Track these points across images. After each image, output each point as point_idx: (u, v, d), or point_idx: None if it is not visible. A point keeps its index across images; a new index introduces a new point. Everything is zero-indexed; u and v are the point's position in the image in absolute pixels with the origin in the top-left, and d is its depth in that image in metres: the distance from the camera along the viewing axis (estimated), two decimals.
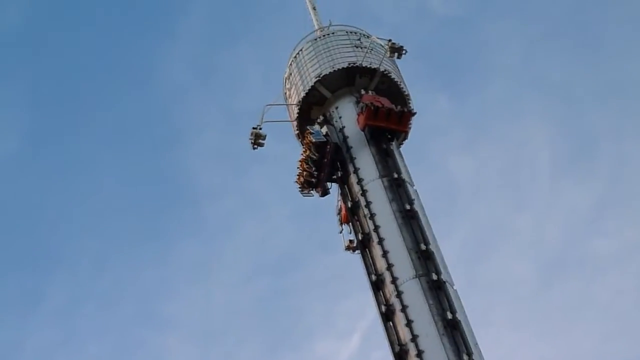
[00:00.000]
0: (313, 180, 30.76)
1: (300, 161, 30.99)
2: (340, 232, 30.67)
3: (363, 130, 30.38)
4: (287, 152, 31.72)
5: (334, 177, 30.93)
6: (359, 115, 30.37)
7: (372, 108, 29.77)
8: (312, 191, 31.20)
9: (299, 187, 31.32)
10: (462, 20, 70.37)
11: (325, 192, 30.84)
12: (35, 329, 66.88)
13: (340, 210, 30.41)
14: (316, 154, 30.21)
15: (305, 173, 30.75)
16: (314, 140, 30.15)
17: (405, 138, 31.82)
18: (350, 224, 29.44)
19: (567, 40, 69.78)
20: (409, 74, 32.96)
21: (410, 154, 31.70)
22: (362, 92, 31.40)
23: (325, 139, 30.34)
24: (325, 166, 30.52)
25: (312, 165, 30.48)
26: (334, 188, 31.32)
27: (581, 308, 62.75)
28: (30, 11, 73.14)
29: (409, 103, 32.20)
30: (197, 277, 68.51)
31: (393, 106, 30.25)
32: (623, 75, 67.08)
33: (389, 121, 30.20)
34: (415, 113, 31.50)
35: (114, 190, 70.01)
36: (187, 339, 66.45)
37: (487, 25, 70.63)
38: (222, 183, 67.95)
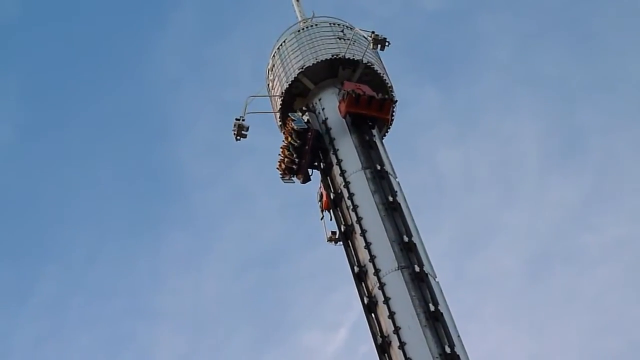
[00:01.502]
0: (294, 167, 30.79)
1: (281, 148, 30.93)
2: (322, 219, 30.70)
3: (344, 117, 30.35)
4: (275, 145, 31.58)
5: (315, 164, 30.89)
6: (340, 102, 30.41)
7: (354, 95, 29.85)
8: (293, 178, 31.19)
9: (280, 174, 31.19)
10: (451, 14, 70.32)
11: (306, 179, 30.90)
12: (26, 320, 66.96)
13: (321, 196, 30.56)
14: (297, 141, 30.25)
15: (286, 160, 30.80)
16: (295, 127, 30.23)
17: (388, 129, 31.97)
18: (333, 215, 29.48)
19: (560, 36, 69.67)
20: (398, 68, 32.94)
21: (399, 147, 31.69)
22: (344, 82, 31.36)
23: (306, 126, 30.42)
24: (306, 153, 30.34)
25: (293, 152, 30.55)
26: (315, 175, 30.93)
27: (569, 302, 62.75)
28: (24, 4, 73.05)
29: (392, 94, 32.14)
30: (187, 269, 69.17)
31: (374, 94, 30.37)
32: (615, 71, 67.14)
33: (370, 108, 30.27)
34: (396, 101, 31.40)
35: (104, 182, 70.41)
36: (177, 330, 66.84)
37: (478, 18, 70.36)
38: (211, 175, 68.24)
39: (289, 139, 30.36)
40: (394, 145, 31.18)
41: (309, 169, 30.82)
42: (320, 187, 30.37)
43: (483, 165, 67.26)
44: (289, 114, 30.94)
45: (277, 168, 31.10)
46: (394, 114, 31.77)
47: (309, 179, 30.92)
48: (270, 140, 31.35)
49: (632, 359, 58.26)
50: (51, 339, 67.91)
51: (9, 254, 69.40)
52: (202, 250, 70.02)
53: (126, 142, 71.64)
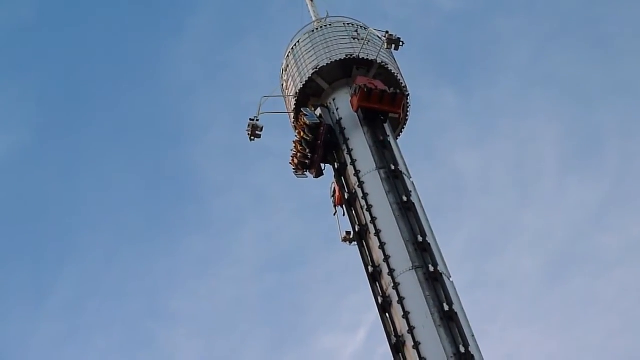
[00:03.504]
0: (307, 161, 30.88)
1: (294, 142, 31.04)
2: (335, 214, 30.81)
3: (356, 112, 30.40)
4: (290, 146, 31.81)
5: (329, 159, 30.93)
6: (352, 97, 30.55)
7: (365, 90, 29.94)
8: (306, 172, 31.28)
9: (293, 169, 31.34)
10: (469, 16, 70.70)
11: (319, 173, 31.02)
12: (44, 321, 67.27)
13: (334, 192, 30.76)
14: (310, 135, 30.39)
15: (299, 154, 30.94)
16: (307, 121, 30.33)
17: (403, 128, 32.16)
18: (347, 215, 29.47)
19: (577, 38, 70.04)
20: (415, 69, 33.21)
21: (416, 148, 32.04)
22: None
23: (318, 121, 30.50)
24: (319, 148, 30.54)
25: (305, 147, 30.65)
26: (328, 170, 31.13)
27: (587, 304, 62.97)
28: (41, 8, 73.81)
29: (406, 94, 32.15)
30: (204, 272, 69.13)
31: (386, 88, 30.41)
32: (632, 73, 67.13)
33: (382, 103, 30.28)
34: (408, 94, 31.82)
35: (122, 185, 71.13)
36: (194, 333, 66.98)
37: (496, 21, 70.82)
38: (228, 178, 68.42)
39: (302, 133, 30.45)
40: (411, 146, 31.26)
41: (321, 164, 30.97)
42: (333, 182, 30.48)
43: (501, 167, 67.71)
44: (302, 109, 31.00)
45: (290, 163, 31.18)
46: (408, 111, 31.98)
47: (322, 174, 31.06)
48: (285, 142, 31.52)
49: None
50: (68, 340, 68.49)
51: (28, 254, 70.27)
52: (219, 252, 70.28)
53: (143, 145, 72.34)
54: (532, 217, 64.95)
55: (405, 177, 29.12)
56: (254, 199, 66.49)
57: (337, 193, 30.14)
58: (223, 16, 71.06)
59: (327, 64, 31.69)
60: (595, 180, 66.28)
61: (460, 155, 65.60)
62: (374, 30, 32.23)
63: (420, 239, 27.05)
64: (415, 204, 28.16)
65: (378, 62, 31.53)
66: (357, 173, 29.02)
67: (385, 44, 30.95)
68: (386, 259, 26.80)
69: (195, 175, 69.64)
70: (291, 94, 32.54)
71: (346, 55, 31.64)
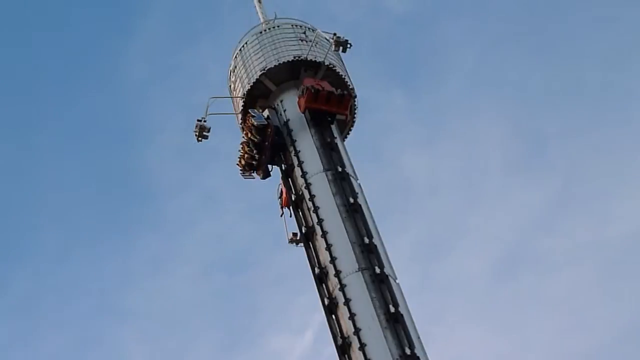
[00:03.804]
0: (254, 163, 31.05)
1: (241, 144, 31.15)
2: (282, 215, 31.01)
3: (304, 113, 30.54)
4: (238, 148, 32.37)
5: (276, 160, 31.08)
6: (299, 98, 30.68)
7: (313, 91, 30.18)
8: (253, 173, 31.46)
9: (240, 170, 31.45)
10: (418, 19, 71.89)
11: (266, 175, 31.11)
12: None
13: (281, 193, 30.89)
14: (257, 137, 30.52)
15: (246, 156, 31.09)
16: (255, 122, 30.44)
17: (350, 129, 32.47)
18: (294, 216, 29.65)
19: (522, 42, 71.27)
20: (364, 72, 33.54)
21: (364, 150, 32.36)
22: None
23: (266, 122, 30.60)
24: (266, 149, 30.66)
25: (253, 148, 30.80)
26: (275, 171, 31.16)
27: (534, 305, 63.78)
28: None
29: (354, 96, 32.33)
30: (156, 271, 69.96)
31: (333, 89, 30.70)
32: (575, 77, 68.80)
33: (329, 104, 30.51)
34: (355, 96, 31.89)
35: (75, 186, 71.45)
36: (145, 332, 67.75)
37: (444, 24, 72.12)
38: (180, 179, 69.14)
39: (249, 134, 30.58)
40: (359, 148, 31.53)
41: (268, 165, 31.14)
42: (280, 183, 30.61)
43: (448, 169, 68.64)
44: (249, 110, 31.08)
45: (237, 164, 31.34)
46: (355, 112, 32.23)
47: (269, 175, 31.18)
48: (234, 143, 31.87)
49: (594, 356, 60.25)
50: (21, 340, 68.88)
51: None
52: (170, 253, 71.03)
53: (96, 146, 72.80)
54: (478, 219, 65.89)
55: (352, 179, 29.30)
56: (205, 200, 67.34)
57: (284, 194, 30.24)
58: (174, 18, 71.80)
59: (275, 65, 31.76)
60: (540, 182, 67.74)
61: (408, 157, 66.56)
62: (321, 33, 32.30)
63: (366, 240, 27.23)
64: (362, 206, 28.39)
65: (326, 64, 31.68)
66: (304, 175, 29.19)
67: (333, 46, 31.08)
68: (332, 260, 26.96)
69: (147, 176, 70.33)
70: (239, 95, 32.59)
71: (294, 57, 31.80)
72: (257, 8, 35.45)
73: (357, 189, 28.96)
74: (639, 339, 59.73)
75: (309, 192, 28.71)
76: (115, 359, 66.91)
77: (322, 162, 29.34)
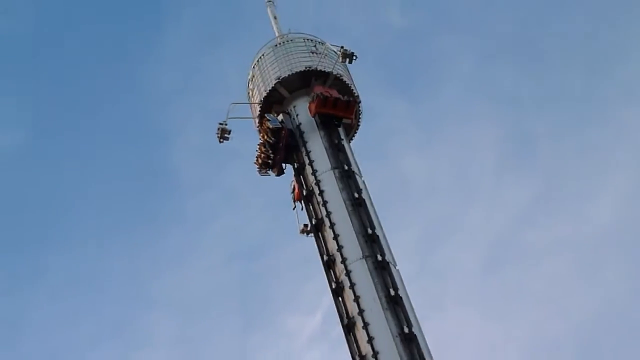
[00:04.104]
0: (270, 161, 31.89)
1: (258, 145, 31.92)
2: (294, 209, 31.60)
3: (314, 117, 31.27)
4: (255, 148, 33.25)
5: (289, 159, 31.58)
6: (310, 104, 31.58)
7: (322, 97, 31.12)
8: (269, 171, 32.32)
9: (257, 168, 32.42)
10: (417, 33, 74.98)
11: (280, 172, 32.01)
12: (36, 304, 70.29)
13: (293, 189, 31.57)
14: (272, 138, 31.34)
15: (262, 155, 31.92)
16: (270, 125, 31.26)
17: (355, 132, 33.15)
18: (305, 209, 30.40)
19: (513, 53, 73.86)
20: (369, 81, 34.86)
21: (368, 151, 33.44)
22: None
23: (280, 125, 31.44)
24: (280, 149, 31.52)
25: (268, 149, 31.64)
26: (289, 169, 31.96)
27: (518, 291, 66.02)
28: (38, 18, 77.42)
29: (358, 102, 33.04)
30: (181, 261, 72.11)
31: (340, 96, 31.53)
32: (561, 84, 71.34)
33: (337, 109, 31.52)
34: (360, 102, 33.10)
35: (107, 184, 74.03)
36: (171, 316, 70.24)
37: (441, 37, 74.93)
38: (203, 177, 71.62)
39: (265, 136, 31.50)
40: (363, 149, 32.91)
41: (282, 164, 31.94)
42: (293, 180, 31.49)
43: (444, 169, 70.60)
44: (265, 114, 31.97)
45: (255, 163, 32.27)
46: (360, 117, 33.04)
47: (283, 172, 32.07)
48: (252, 144, 32.99)
49: (572, 339, 63.07)
50: (59, 324, 71.35)
51: (23, 241, 73.73)
52: (194, 243, 72.98)
53: (129, 146, 75.49)
54: (471, 214, 67.92)
55: (357, 176, 30.20)
56: (225, 196, 69.33)
57: (296, 190, 31.16)
58: (198, 32, 74.69)
59: (288, 75, 32.62)
60: (528, 181, 69.80)
61: (408, 157, 68.61)
62: (330, 46, 33.06)
63: (370, 231, 28.30)
64: (366, 200, 29.33)
65: (334, 73, 32.50)
66: (314, 172, 30.14)
67: (340, 58, 31.93)
68: (339, 249, 28.03)
69: (174, 173, 72.61)
70: (256, 101, 33.37)
71: (305, 68, 32.64)
72: (273, 24, 36.46)
73: (361, 186, 29.85)
74: (609, 322, 62.10)
75: (319, 188, 29.66)
76: (146, 340, 69.59)
77: (330, 161, 30.27)
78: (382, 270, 27.59)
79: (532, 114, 70.83)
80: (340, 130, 31.72)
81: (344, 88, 32.95)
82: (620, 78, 69.45)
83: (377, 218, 29.29)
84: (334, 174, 30.03)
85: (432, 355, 26.64)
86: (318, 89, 31.70)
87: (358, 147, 32.55)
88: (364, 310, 26.47)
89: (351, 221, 28.66)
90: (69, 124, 75.83)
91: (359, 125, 33.29)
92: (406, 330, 25.94)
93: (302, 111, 32.22)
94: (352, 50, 31.93)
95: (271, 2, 37.62)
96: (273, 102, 33.24)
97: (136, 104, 75.75)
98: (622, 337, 60.85)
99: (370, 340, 25.94)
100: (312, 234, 30.03)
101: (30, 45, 77.40)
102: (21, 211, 73.29)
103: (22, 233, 74.11)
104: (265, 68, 33.69)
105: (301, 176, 31.03)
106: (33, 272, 71.08)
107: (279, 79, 32.79)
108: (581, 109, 70.24)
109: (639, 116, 68.03)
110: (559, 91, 71.15)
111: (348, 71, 33.78)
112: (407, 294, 27.55)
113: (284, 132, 31.36)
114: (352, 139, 33.01)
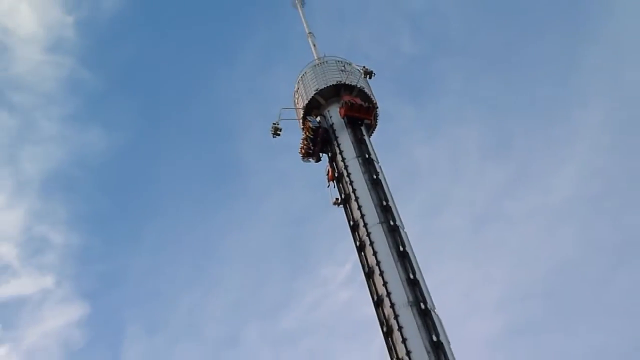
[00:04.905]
0: (310, 151, 35.17)
1: (302, 139, 35.62)
2: (328, 187, 35.09)
3: (343, 118, 34.78)
4: (299, 142, 36.11)
5: (324, 149, 35.13)
6: (340, 108, 35.22)
7: (349, 104, 34.43)
8: (310, 159, 35.95)
9: (301, 156, 36.07)
10: (423, 56, 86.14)
11: (318, 159, 35.51)
12: (138, 258, 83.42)
13: (328, 172, 35.27)
14: (312, 134, 34.61)
15: (305, 147, 35.33)
16: (311, 125, 34.53)
17: (373, 130, 35.89)
18: (337, 187, 33.49)
19: (496, 70, 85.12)
20: (386, 93, 39.39)
21: (386, 145, 37.18)
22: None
23: (318, 125, 34.54)
24: (318, 143, 35.00)
25: (309, 142, 34.88)
26: (324, 157, 35.92)
27: (499, 248, 76.23)
28: (139, 45, 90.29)
29: (377, 107, 36.73)
30: (244, 226, 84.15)
31: (363, 103, 34.55)
32: (533, 93, 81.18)
33: (360, 112, 34.85)
34: (377, 107, 36.10)
35: (190, 169, 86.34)
36: (238, 268, 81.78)
37: (440, 60, 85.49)
38: (261, 163, 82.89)
39: (307, 133, 34.83)
40: (381, 142, 36.18)
41: (320, 153, 35.19)
42: (327, 165, 35.04)
43: (442, 157, 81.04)
44: (307, 117, 35.19)
45: (299, 152, 35.74)
46: (377, 119, 35.91)
47: (320, 159, 35.61)
48: (297, 139, 36.97)
49: (539, 284, 72.49)
50: (157, 270, 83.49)
51: (126, 212, 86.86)
52: (254, 213, 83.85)
53: (206, 140, 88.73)
54: (462, 189, 78.34)
55: (375, 163, 33.46)
56: (278, 178, 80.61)
57: (330, 173, 34.45)
58: (260, 53, 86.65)
59: (324, 87, 36.73)
60: (504, 165, 79.91)
61: (414, 149, 79.15)
62: (355, 65, 36.85)
63: (384, 203, 31.68)
64: (382, 181, 32.67)
65: (358, 86, 36.47)
66: (343, 160, 33.68)
67: (363, 75, 35.81)
68: (362, 216, 31.28)
69: (240, 161, 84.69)
70: (300, 107, 37.11)
71: (337, 82, 36.73)
72: (313, 49, 40.33)
73: (378, 169, 33.17)
74: (568, 271, 72.06)
75: (347, 171, 33.09)
76: (216, 284, 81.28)
77: (355, 151, 33.66)
78: (394, 232, 30.66)
79: (508, 117, 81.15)
80: (363, 128, 35.04)
81: (366, 97, 36.46)
82: (576, 86, 79.09)
83: (390, 193, 32.33)
84: (358, 161, 33.27)
85: (431, 295, 29.29)
86: (346, 98, 35.09)
87: (376, 141, 35.74)
88: (380, 262, 29.68)
89: (371, 196, 31.83)
90: (163, 123, 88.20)
91: (377, 125, 36.45)
92: (411, 276, 29.12)
93: (334, 114, 35.74)
94: (371, 69, 35.95)
95: (311, 34, 40.98)
96: (312, 107, 36.87)
97: (213, 109, 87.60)
98: (577, 283, 72.08)
99: (385, 284, 29.07)
100: (342, 205, 33.09)
101: (132, 68, 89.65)
102: (130, 190, 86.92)
103: (129, 207, 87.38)
104: (307, 82, 37.29)
105: (334, 162, 34.34)
106: (136, 235, 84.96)
107: (317, 90, 36.55)
108: (547, 112, 79.35)
109: (591, 117, 77.19)
110: (529, 99, 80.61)
111: (369, 85, 37.31)
112: (412, 250, 30.54)
113: (320, 130, 34.65)
114: (371, 135, 36.23)
